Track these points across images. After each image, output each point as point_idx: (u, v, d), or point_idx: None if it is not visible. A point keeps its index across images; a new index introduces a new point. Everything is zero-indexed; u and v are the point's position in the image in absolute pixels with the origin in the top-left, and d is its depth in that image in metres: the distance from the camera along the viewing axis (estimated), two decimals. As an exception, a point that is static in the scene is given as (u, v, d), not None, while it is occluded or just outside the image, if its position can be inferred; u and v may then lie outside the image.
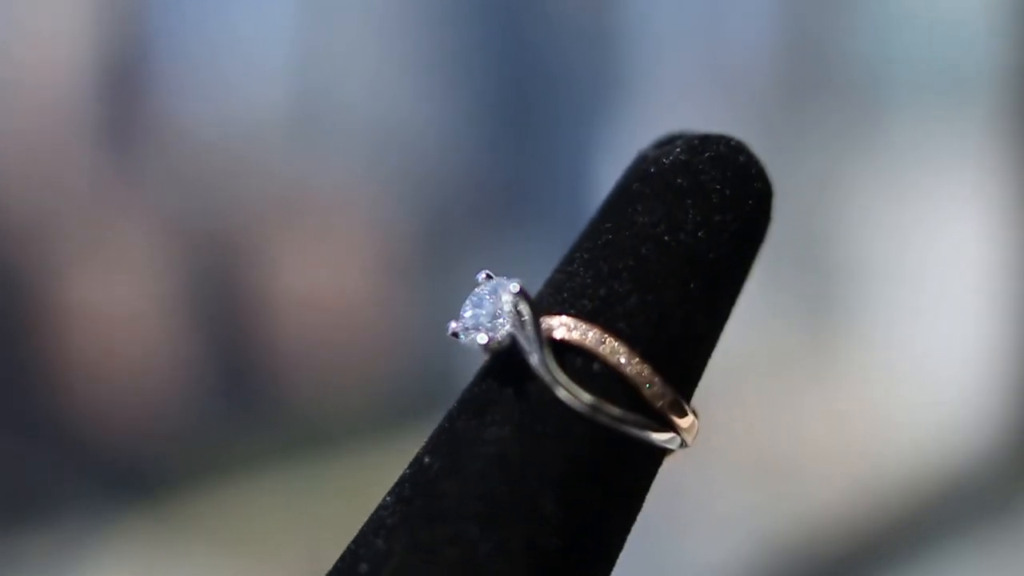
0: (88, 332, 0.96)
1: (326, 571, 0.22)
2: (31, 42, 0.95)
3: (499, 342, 0.23)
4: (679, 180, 0.24)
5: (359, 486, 0.96)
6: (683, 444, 0.23)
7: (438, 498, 0.22)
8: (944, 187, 1.18)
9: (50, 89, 0.96)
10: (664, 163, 0.25)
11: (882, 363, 1.17)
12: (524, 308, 0.23)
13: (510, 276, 0.23)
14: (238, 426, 1.01)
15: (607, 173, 1.07)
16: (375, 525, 0.22)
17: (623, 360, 0.23)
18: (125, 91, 0.99)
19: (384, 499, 0.23)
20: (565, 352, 0.23)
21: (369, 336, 1.06)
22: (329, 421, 1.03)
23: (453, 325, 0.23)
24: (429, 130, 1.08)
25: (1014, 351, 1.18)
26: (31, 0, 0.96)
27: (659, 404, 0.23)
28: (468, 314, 0.23)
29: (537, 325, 0.23)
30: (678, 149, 0.25)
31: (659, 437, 0.23)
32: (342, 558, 0.22)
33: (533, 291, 0.24)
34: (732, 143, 0.25)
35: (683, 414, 0.23)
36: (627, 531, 0.23)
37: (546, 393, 0.22)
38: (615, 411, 0.22)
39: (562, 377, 0.22)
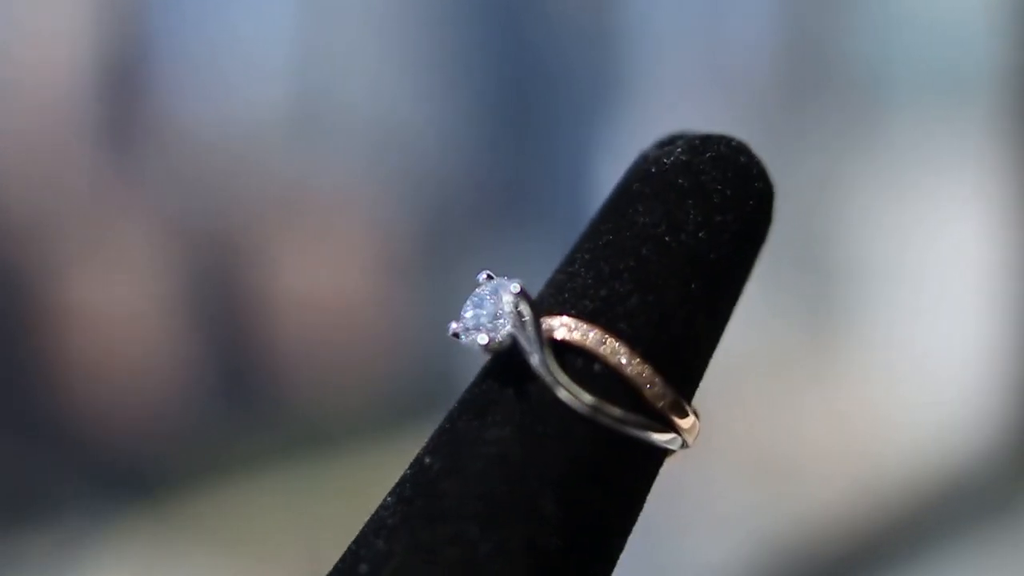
0: (88, 332, 0.96)
1: (326, 571, 0.22)
2: (31, 42, 0.95)
3: (500, 343, 0.23)
4: (680, 180, 0.24)
5: (359, 486, 0.96)
6: (684, 445, 0.23)
7: (439, 498, 0.22)
8: (944, 187, 1.18)
9: (50, 89, 0.96)
10: (665, 163, 0.25)
11: (882, 363, 1.17)
12: (525, 308, 0.23)
13: (510, 276, 0.23)
14: (238, 426, 1.01)
15: (607, 173, 1.07)
16: (376, 525, 0.22)
17: (624, 361, 0.23)
18: (125, 91, 0.99)
19: (385, 499, 0.23)
20: (566, 353, 0.23)
21: (369, 336, 1.06)
22: (329, 421, 1.03)
23: (454, 325, 0.23)
24: (429, 130, 1.08)
25: (1014, 351, 1.18)
26: (31, 0, 0.96)
27: (660, 405, 0.23)
28: (469, 314, 0.23)
29: (538, 325, 0.23)
30: (679, 149, 0.25)
31: (660, 438, 0.23)
32: (343, 558, 0.22)
33: (534, 292, 0.24)
34: (733, 143, 0.25)
35: (684, 415, 0.23)
36: (628, 532, 0.23)
37: (547, 394, 0.22)
38: (616, 412, 0.22)
39: (563, 378, 0.22)
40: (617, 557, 0.23)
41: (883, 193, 1.18)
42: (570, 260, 0.24)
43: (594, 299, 0.23)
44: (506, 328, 0.23)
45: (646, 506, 0.24)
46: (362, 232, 1.07)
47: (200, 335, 1.01)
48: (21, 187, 0.95)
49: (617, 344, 0.23)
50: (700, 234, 0.24)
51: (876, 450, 1.13)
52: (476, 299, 0.23)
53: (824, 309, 1.19)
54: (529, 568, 0.21)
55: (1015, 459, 1.15)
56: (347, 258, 1.07)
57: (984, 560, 1.06)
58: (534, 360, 0.22)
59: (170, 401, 0.98)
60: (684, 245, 0.24)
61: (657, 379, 0.23)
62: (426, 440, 0.24)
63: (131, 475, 0.97)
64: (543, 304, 0.24)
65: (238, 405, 1.02)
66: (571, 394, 0.22)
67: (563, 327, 0.23)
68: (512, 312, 0.23)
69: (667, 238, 0.24)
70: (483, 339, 0.23)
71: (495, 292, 0.23)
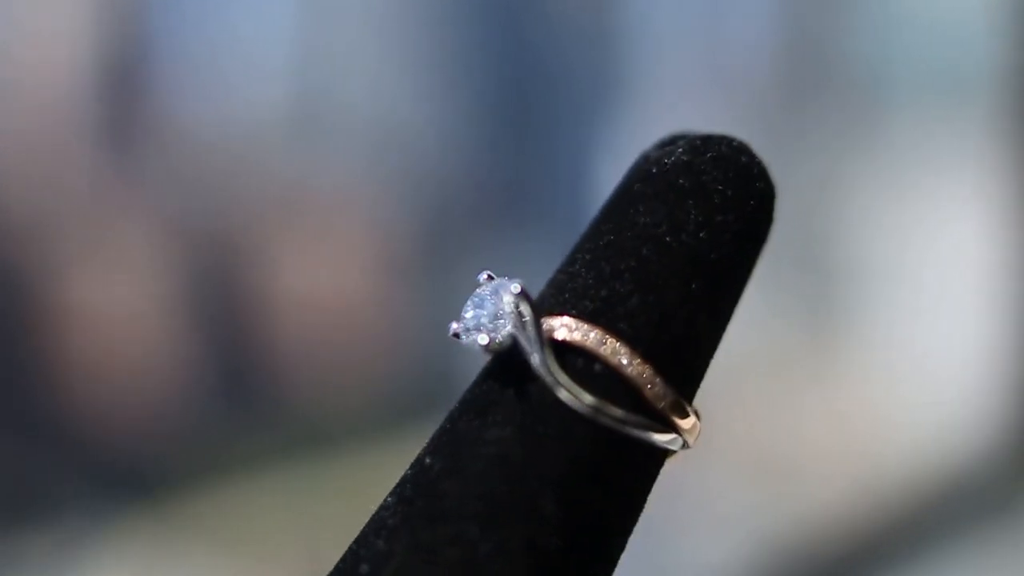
0: (88, 332, 0.96)
1: (326, 571, 0.22)
2: (31, 42, 0.95)
3: (500, 343, 0.23)
4: (681, 181, 0.24)
5: (359, 486, 0.96)
6: (685, 445, 0.23)
7: (439, 498, 0.22)
8: (944, 187, 1.18)
9: (50, 89, 0.96)
10: (666, 164, 0.25)
11: (882, 363, 1.17)
12: (525, 309, 0.23)
13: (511, 276, 0.23)
14: (238, 426, 1.01)
15: (607, 173, 1.07)
16: (376, 525, 0.22)
17: (624, 361, 0.23)
18: (125, 91, 0.99)
19: (385, 500, 0.23)
20: (566, 353, 0.23)
21: (369, 336, 1.06)
22: (329, 421, 1.03)
23: (454, 326, 0.23)
24: (429, 130, 1.08)
25: (1014, 351, 1.18)
26: (31, 0, 0.96)
27: (660, 405, 0.23)
28: (469, 315, 0.23)
29: (538, 326, 0.23)
30: (680, 150, 0.25)
31: (661, 438, 0.23)
32: (343, 559, 0.22)
33: (534, 292, 0.24)
34: (734, 144, 0.25)
35: (685, 415, 0.23)
36: (628, 532, 0.23)
37: (547, 394, 0.22)
38: (617, 412, 0.22)
39: (563, 378, 0.22)
40: (618, 557, 0.23)
41: (883, 193, 1.18)
42: (571, 260, 0.24)
43: (595, 299, 0.23)
44: (507, 328, 0.23)
45: (646, 506, 0.24)
46: (362, 232, 1.07)
47: (200, 335, 1.01)
48: (21, 187, 0.95)
49: (618, 344, 0.23)
50: (701, 234, 0.24)
51: (876, 450, 1.13)
52: (477, 299, 0.23)
53: (824, 309, 1.19)
54: (529, 568, 0.21)
55: (1015, 459, 1.15)
56: (347, 258, 1.07)
57: (984, 560, 1.06)
58: (534, 360, 0.22)
59: (170, 401, 0.98)
60: (685, 245, 0.24)
61: (658, 379, 0.23)
62: (426, 440, 0.24)
63: (131, 475, 0.97)
64: (544, 304, 0.24)
65: (238, 405, 1.02)
66: (571, 394, 0.22)
67: (563, 327, 0.23)
68: (513, 312, 0.23)
69: (668, 238, 0.24)
70: (483, 339, 0.23)
71: (496, 292, 0.23)
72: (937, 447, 1.14)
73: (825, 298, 1.18)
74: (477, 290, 0.24)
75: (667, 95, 1.13)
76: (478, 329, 0.23)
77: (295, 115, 1.06)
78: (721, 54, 1.16)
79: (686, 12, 1.15)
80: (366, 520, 0.23)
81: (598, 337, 0.23)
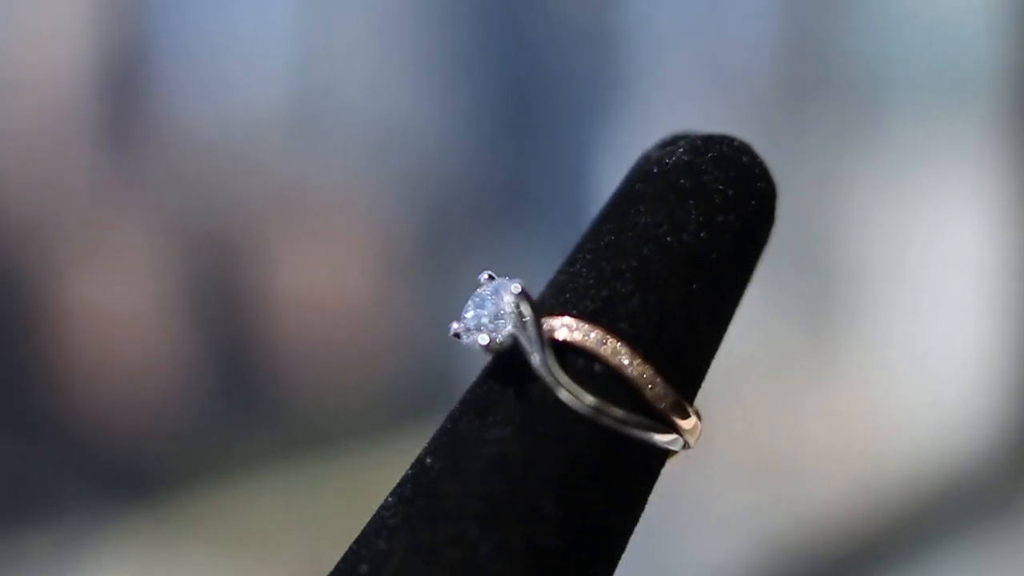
0: (88, 332, 0.96)
1: (326, 571, 0.22)
2: (31, 42, 0.95)
3: (500, 343, 0.23)
4: (682, 181, 0.24)
5: (359, 486, 0.96)
6: (686, 445, 0.23)
7: (439, 498, 0.22)
8: (944, 187, 1.18)
9: (50, 89, 0.96)
10: (667, 163, 0.25)
11: (882, 363, 1.17)
12: (526, 309, 0.23)
13: (511, 276, 0.23)
14: (238, 426, 1.01)
15: (607, 173, 1.07)
16: (377, 525, 0.22)
17: (625, 361, 0.23)
18: (125, 91, 0.99)
19: (386, 500, 0.23)
20: (567, 353, 0.23)
21: (369, 336, 1.06)
22: (329, 421, 1.03)
23: (455, 326, 0.23)
24: (429, 130, 1.08)
25: (1014, 351, 1.18)
26: (31, 0, 0.96)
27: (661, 405, 0.23)
28: (470, 315, 0.23)
29: (539, 326, 0.23)
30: (681, 150, 0.25)
31: (661, 439, 0.23)
32: (344, 559, 0.22)
33: (535, 292, 0.24)
34: (735, 143, 0.25)
35: (685, 415, 0.23)
36: (629, 532, 0.23)
37: (548, 394, 0.22)
38: (618, 413, 0.22)
39: (564, 378, 0.22)
40: (618, 557, 0.23)
41: (883, 193, 1.18)
42: (572, 260, 0.24)
43: (595, 299, 0.23)
44: (507, 328, 0.23)
45: (646, 506, 0.24)
46: (362, 232, 1.07)
47: (200, 335, 1.01)
48: (21, 187, 0.95)
49: (618, 344, 0.23)
50: (702, 234, 0.24)
51: (876, 450, 1.13)
52: (477, 299, 0.23)
53: (824, 309, 1.19)
54: (529, 568, 0.21)
55: (1015, 459, 1.15)
56: (347, 258, 1.07)
57: (984, 560, 1.06)
58: (535, 360, 0.22)
59: (170, 401, 0.98)
60: (686, 245, 0.24)
61: (658, 380, 0.23)
62: (426, 440, 0.24)
63: (131, 475, 0.97)
64: (544, 304, 0.24)
65: (238, 405, 1.02)
66: (572, 395, 0.22)
67: (564, 327, 0.23)
68: (513, 312, 0.23)
69: (669, 238, 0.24)
70: (484, 339, 0.23)
71: (496, 292, 0.23)
72: (937, 447, 1.14)
73: (825, 298, 1.18)
74: (478, 290, 0.24)
75: (667, 95, 1.13)
76: (479, 329, 0.23)
77: (295, 115, 1.06)
78: (721, 54, 1.16)
79: (686, 12, 1.15)
80: (366, 520, 0.23)
81: (599, 337, 0.23)
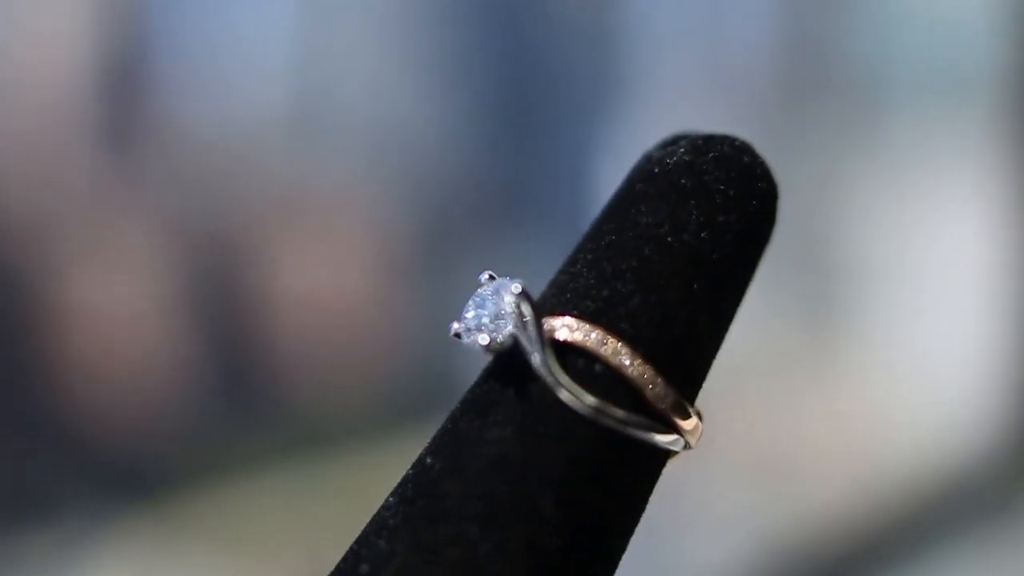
0: (88, 332, 0.96)
1: (326, 571, 0.22)
2: (31, 42, 0.95)
3: (501, 343, 0.23)
4: (683, 180, 0.24)
5: (359, 486, 0.96)
6: (687, 446, 0.23)
7: (440, 498, 0.22)
8: (944, 187, 1.18)
9: (50, 89, 0.96)
10: (668, 163, 0.25)
11: (882, 363, 1.17)
12: (526, 309, 0.23)
13: (512, 277, 0.23)
14: (238, 426, 1.01)
15: (607, 173, 1.07)
16: (377, 525, 0.22)
17: (626, 361, 0.23)
18: (125, 91, 0.99)
19: (387, 500, 0.23)
20: (567, 353, 0.23)
21: (369, 336, 1.06)
22: (329, 421, 1.03)
23: (455, 326, 0.23)
24: (429, 130, 1.08)
25: (1014, 351, 1.18)
26: (31, 0, 0.96)
27: (662, 406, 0.23)
28: (470, 315, 0.23)
29: (539, 326, 0.23)
30: (682, 150, 0.25)
31: (662, 439, 0.23)
32: (344, 559, 0.22)
33: (535, 292, 0.24)
34: (737, 143, 0.25)
35: (686, 416, 0.23)
36: (629, 533, 0.23)
37: (548, 394, 0.22)
38: (618, 413, 0.22)
39: (564, 378, 0.22)
40: (619, 558, 0.23)
41: (883, 193, 1.18)
42: (573, 260, 0.24)
43: (596, 299, 0.23)
44: (507, 328, 0.23)
45: (647, 506, 0.24)
46: (362, 232, 1.07)
47: (200, 335, 1.01)
48: (21, 187, 0.95)
49: (619, 345, 0.23)
50: (703, 234, 0.24)
51: (876, 450, 1.13)
52: (478, 299, 0.23)
53: (824, 309, 1.19)
54: (529, 568, 0.21)
55: (1015, 459, 1.15)
56: (347, 258, 1.07)
57: (984, 560, 1.06)
58: (535, 360, 0.22)
59: (170, 401, 0.98)
60: (686, 245, 0.24)
61: (659, 380, 0.23)
62: (427, 440, 0.24)
63: (131, 475, 0.97)
64: (545, 304, 0.24)
65: (238, 405, 1.02)
66: (572, 395, 0.22)
67: (564, 327, 0.23)
68: (514, 312, 0.23)
69: (670, 238, 0.24)
70: (484, 339, 0.23)
71: (497, 292, 0.23)
72: (937, 447, 1.14)
73: (825, 298, 1.18)
74: (478, 290, 0.24)
75: (667, 95, 1.13)
76: (479, 329, 0.23)
77: (295, 115, 1.06)
78: (721, 54, 1.16)
79: (686, 12, 1.15)
80: (366, 520, 0.23)
81: (599, 337, 0.23)
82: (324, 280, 1.05)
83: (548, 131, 1.12)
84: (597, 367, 0.23)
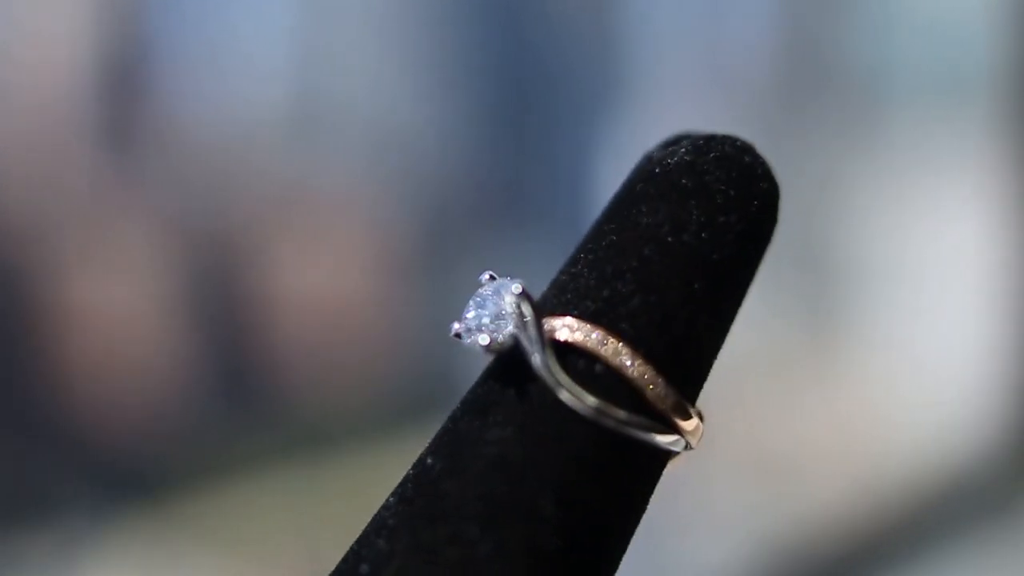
0: (88, 332, 0.96)
1: (326, 571, 0.22)
2: (31, 42, 0.95)
3: (501, 343, 0.23)
4: (683, 181, 0.24)
5: (359, 486, 0.96)
6: (687, 446, 0.23)
7: (439, 498, 0.22)
8: (944, 187, 1.18)
9: (50, 89, 0.96)
10: (669, 164, 0.25)
11: (882, 363, 1.17)
12: (526, 309, 0.23)
13: (512, 277, 0.23)
14: (238, 426, 1.01)
15: (607, 173, 1.07)
16: (377, 525, 0.22)
17: (626, 362, 0.23)
18: (125, 91, 0.99)
19: (387, 500, 0.23)
20: (568, 354, 0.23)
21: (369, 336, 1.06)
22: (329, 421, 1.03)
23: (456, 326, 0.23)
24: (429, 130, 1.08)
25: (1014, 351, 1.18)
26: (31, 0, 0.96)
27: (662, 406, 0.23)
28: (471, 315, 0.23)
29: (539, 326, 0.23)
30: (683, 150, 0.25)
31: (663, 440, 0.23)
32: (345, 559, 0.22)
33: (535, 292, 0.24)
34: (738, 143, 0.25)
35: (687, 416, 0.23)
36: (630, 533, 0.23)
37: (548, 395, 0.22)
38: (619, 414, 0.22)
39: (564, 379, 0.22)
40: (619, 558, 0.23)
41: (883, 193, 1.18)
42: (573, 260, 0.24)
43: (596, 300, 0.23)
44: (508, 329, 0.23)
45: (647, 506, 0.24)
46: (362, 232, 1.07)
47: (200, 335, 1.01)
48: (21, 187, 0.95)
49: (619, 345, 0.23)
50: (703, 235, 0.24)
51: (876, 450, 1.13)
52: (478, 300, 0.23)
53: (824, 309, 1.19)
54: (529, 568, 0.21)
55: (1015, 459, 1.15)
56: (347, 258, 1.07)
57: (984, 560, 1.06)
58: (535, 361, 0.22)
59: (170, 401, 0.98)
60: (687, 246, 0.24)
61: (659, 380, 0.23)
62: (427, 440, 0.24)
63: (131, 475, 0.97)
64: (546, 305, 0.24)
65: (238, 405, 1.02)
66: (573, 395, 0.22)
67: (565, 328, 0.23)
68: (514, 312, 0.23)
69: (670, 239, 0.24)
70: (485, 340, 0.23)
71: (497, 292, 0.23)
72: (937, 447, 1.14)
73: (825, 298, 1.18)
74: (479, 290, 0.24)
75: (667, 95, 1.13)
76: (479, 329, 0.23)
77: (295, 115, 1.06)
78: (721, 54, 1.16)
79: (686, 12, 1.15)
80: (366, 520, 0.23)
81: (600, 338, 0.23)
82: (324, 280, 1.05)
83: (548, 131, 1.12)
84: (597, 367, 0.23)
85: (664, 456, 0.23)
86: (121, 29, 0.99)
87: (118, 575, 0.91)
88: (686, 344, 0.23)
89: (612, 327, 0.23)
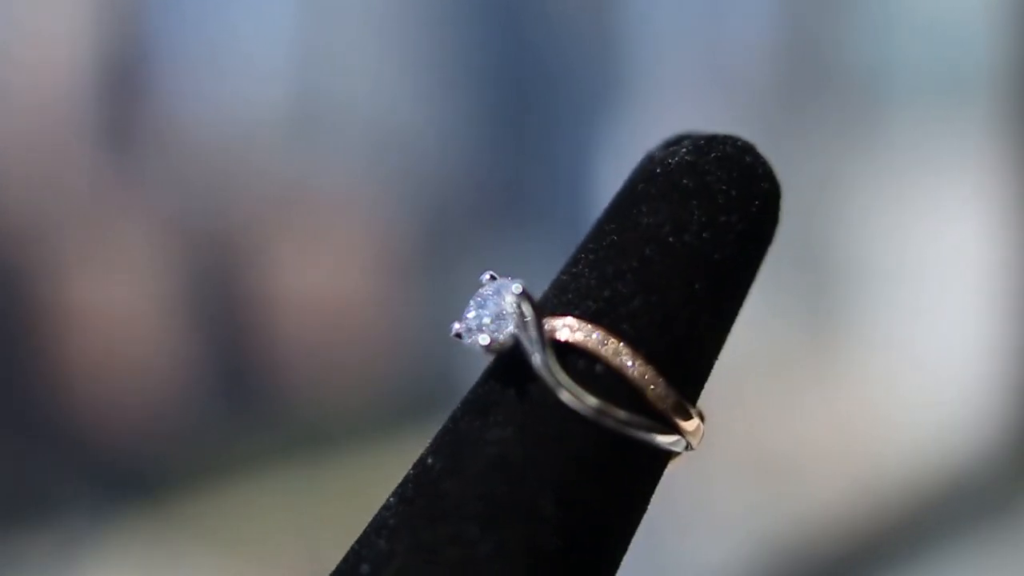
0: (88, 332, 0.96)
1: (326, 571, 0.22)
2: (31, 42, 0.95)
3: (502, 343, 0.23)
4: (685, 181, 0.24)
5: (359, 486, 0.96)
6: (688, 447, 0.23)
7: (440, 498, 0.22)
8: (944, 187, 1.18)
9: (50, 89, 0.96)
10: (670, 164, 0.25)
11: (882, 363, 1.17)
12: (527, 309, 0.23)
13: (512, 277, 0.23)
14: (238, 426, 1.01)
15: (607, 173, 1.07)
16: (378, 525, 0.22)
17: (627, 362, 0.23)
18: (125, 91, 0.99)
19: (388, 499, 0.23)
20: (568, 354, 0.23)
21: (369, 336, 1.06)
22: (329, 421, 1.03)
23: (456, 326, 0.23)
24: (429, 130, 1.08)
25: (1014, 351, 1.18)
26: (31, 0, 0.96)
27: (663, 406, 0.23)
28: (471, 315, 0.23)
29: (540, 326, 0.23)
30: (684, 150, 0.25)
31: (663, 440, 0.23)
32: (345, 559, 0.22)
33: (536, 292, 0.24)
34: (739, 143, 0.25)
35: (687, 416, 0.23)
36: (630, 534, 0.23)
37: (548, 395, 0.22)
38: (619, 414, 0.22)
39: (564, 379, 0.22)
40: (619, 559, 0.23)
41: (883, 193, 1.18)
42: (574, 261, 0.24)
43: (597, 300, 0.23)
44: (508, 329, 0.23)
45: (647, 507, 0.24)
46: (362, 232, 1.07)
47: (200, 335, 1.01)
48: (21, 187, 0.95)
49: (620, 345, 0.23)
50: (704, 235, 0.24)
51: (876, 450, 1.13)
52: (479, 300, 0.23)
53: (824, 309, 1.19)
54: (529, 568, 0.21)
55: (1015, 459, 1.15)
56: (347, 258, 1.07)
57: (984, 560, 1.06)
58: (536, 361, 0.22)
59: (170, 401, 0.98)
60: (688, 246, 0.24)
61: (660, 380, 0.23)
62: (426, 440, 0.24)
63: (131, 475, 0.97)
64: (547, 305, 0.24)
65: (238, 405, 1.02)
66: (573, 395, 0.22)
67: (565, 328, 0.23)
68: (514, 313, 0.23)
69: (671, 239, 0.24)
70: (485, 340, 0.23)
71: (498, 292, 0.23)
72: (937, 447, 1.14)
73: (825, 298, 1.18)
74: (479, 290, 0.24)
75: (667, 95, 1.13)
76: (480, 329, 0.23)
77: (295, 115, 1.06)
78: (721, 54, 1.16)
79: (686, 12, 1.15)
80: (366, 520, 0.23)
81: (600, 338, 0.23)
82: (324, 280, 1.05)
83: (548, 131, 1.12)
84: (598, 368, 0.23)
85: (664, 456, 0.23)
86: (121, 29, 0.99)
87: (118, 575, 0.91)
88: (687, 344, 0.23)
89: (613, 327, 0.23)
